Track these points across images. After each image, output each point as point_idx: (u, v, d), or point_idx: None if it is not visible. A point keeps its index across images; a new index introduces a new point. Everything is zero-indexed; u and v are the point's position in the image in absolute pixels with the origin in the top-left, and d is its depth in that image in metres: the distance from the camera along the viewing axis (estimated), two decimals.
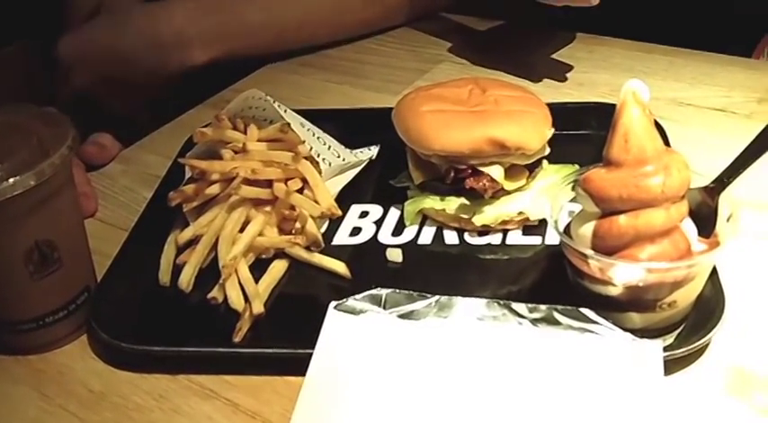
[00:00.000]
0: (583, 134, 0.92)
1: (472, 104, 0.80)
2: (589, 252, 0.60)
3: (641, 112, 0.60)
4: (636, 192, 0.59)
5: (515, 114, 0.78)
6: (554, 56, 1.15)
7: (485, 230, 0.80)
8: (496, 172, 0.77)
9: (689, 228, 0.62)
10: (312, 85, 1.14)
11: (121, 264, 0.79)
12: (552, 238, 0.79)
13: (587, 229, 0.62)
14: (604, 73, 1.10)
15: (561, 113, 0.87)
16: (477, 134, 0.76)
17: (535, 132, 0.78)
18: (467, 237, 0.80)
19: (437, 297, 0.66)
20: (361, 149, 0.92)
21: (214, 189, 0.81)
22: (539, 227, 0.80)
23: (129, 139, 1.05)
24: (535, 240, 0.79)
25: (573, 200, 0.66)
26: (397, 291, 0.67)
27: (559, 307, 0.63)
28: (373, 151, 0.92)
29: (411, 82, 1.11)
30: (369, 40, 1.26)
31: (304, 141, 0.80)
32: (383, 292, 0.67)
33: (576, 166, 0.83)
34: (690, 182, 0.61)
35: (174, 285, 0.76)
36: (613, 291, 0.62)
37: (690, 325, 0.66)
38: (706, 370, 0.65)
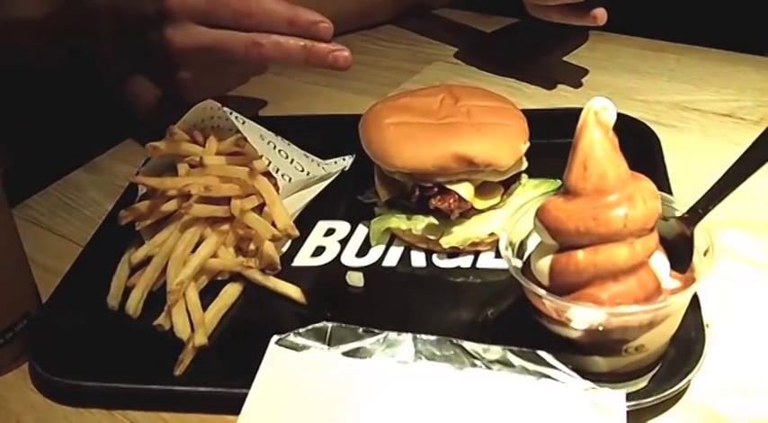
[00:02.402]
0: (570, 143, 0.85)
1: (441, 116, 0.74)
2: (542, 292, 0.54)
3: (603, 134, 0.54)
4: (594, 225, 0.53)
5: (487, 127, 0.72)
6: (555, 56, 1.08)
7: (455, 252, 0.74)
8: (465, 190, 0.71)
9: (659, 263, 0.55)
10: (296, 87, 1.08)
11: (69, 286, 0.75)
12: None
13: (545, 265, 0.56)
14: (607, 74, 1.03)
15: (546, 120, 0.81)
16: (443, 150, 0.70)
17: (507, 147, 0.72)
18: (435, 259, 0.74)
19: (385, 333, 0.61)
20: (334, 160, 0.87)
21: (170, 206, 0.76)
22: None
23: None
24: (505, 263, 0.73)
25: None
26: (344, 325, 0.62)
27: (515, 348, 0.57)
28: (347, 162, 0.87)
29: (399, 84, 1.06)
30: (358, 37, 1.20)
31: (261, 156, 0.75)
32: (329, 325, 0.62)
33: (559, 181, 0.77)
34: (658, 213, 0.54)
35: (122, 310, 0.72)
36: (573, 333, 0.56)
37: (667, 364, 0.60)
38: (680, 418, 0.58)
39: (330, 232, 0.79)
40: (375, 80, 1.08)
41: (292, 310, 0.71)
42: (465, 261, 0.74)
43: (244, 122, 0.78)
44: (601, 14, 0.89)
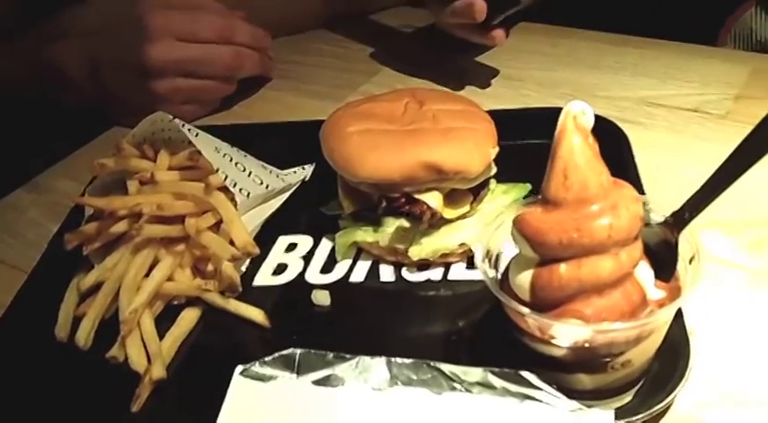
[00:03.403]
0: (538, 144, 0.82)
1: (406, 122, 0.70)
2: (525, 310, 0.51)
3: (583, 140, 0.51)
4: (578, 237, 0.50)
5: (454, 133, 0.69)
6: (514, 51, 1.05)
7: (424, 264, 0.70)
8: (433, 200, 0.68)
9: (644, 274, 0.53)
10: (248, 93, 1.03)
11: (12, 317, 0.70)
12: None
13: (525, 279, 0.52)
14: (568, 70, 1.00)
15: (513, 121, 0.78)
16: (410, 158, 0.66)
17: (477, 153, 0.68)
18: (404, 272, 0.71)
19: (357, 358, 0.57)
20: (293, 169, 0.83)
21: (120, 227, 0.71)
22: None
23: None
24: (478, 274, 0.69)
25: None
26: (312, 351, 0.57)
27: (496, 369, 0.54)
28: (307, 171, 0.83)
29: (358, 86, 1.02)
30: (312, 39, 1.15)
31: (217, 170, 0.70)
32: (297, 352, 0.57)
33: (529, 185, 0.74)
34: (641, 220, 0.51)
35: (71, 342, 0.67)
36: (557, 351, 0.53)
37: (651, 377, 0.57)
38: None
39: (292, 248, 0.75)
40: (332, 83, 1.04)
41: (256, 334, 0.66)
42: (435, 273, 0.70)
43: (197, 134, 0.73)
44: (499, 35, 0.92)
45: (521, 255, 0.54)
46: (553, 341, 0.52)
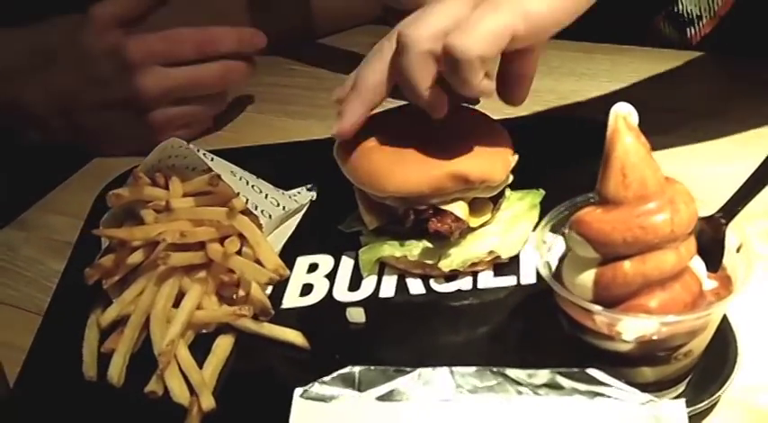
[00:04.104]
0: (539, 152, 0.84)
1: (423, 134, 0.71)
2: (596, 308, 0.52)
3: (635, 139, 0.52)
4: (642, 234, 0.51)
5: (475, 142, 0.69)
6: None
7: (452, 275, 0.71)
8: (459, 210, 0.68)
9: (698, 266, 0.55)
10: (227, 118, 1.02)
11: (36, 361, 0.66)
12: (528, 276, 0.70)
13: (587, 279, 0.54)
14: (546, 78, 1.02)
15: (516, 130, 0.79)
16: (437, 170, 0.67)
17: (500, 161, 0.69)
18: (433, 284, 0.71)
19: (418, 371, 0.57)
20: (297, 190, 0.82)
21: (137, 257, 0.69)
22: (510, 265, 0.71)
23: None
24: (509, 281, 0.70)
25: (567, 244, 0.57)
26: (372, 367, 0.57)
27: (563, 370, 0.54)
28: (312, 192, 0.82)
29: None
30: (284, 60, 1.15)
31: (238, 194, 0.69)
32: (355, 370, 0.57)
33: (542, 191, 0.76)
34: (697, 215, 0.53)
35: (102, 379, 0.64)
36: (623, 347, 0.54)
37: (701, 367, 0.59)
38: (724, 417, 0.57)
39: (313, 268, 0.74)
40: (312, 103, 1.04)
41: (295, 356, 0.65)
42: (464, 283, 0.71)
43: (212, 159, 0.72)
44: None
45: (577, 256, 0.55)
46: (620, 337, 0.53)
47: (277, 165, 0.85)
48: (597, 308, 0.52)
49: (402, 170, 0.67)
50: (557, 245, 0.59)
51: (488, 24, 0.60)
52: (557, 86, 1.01)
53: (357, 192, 0.73)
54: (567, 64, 1.06)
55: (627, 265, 0.52)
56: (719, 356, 0.58)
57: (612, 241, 0.52)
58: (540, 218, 0.71)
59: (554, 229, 0.59)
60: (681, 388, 0.58)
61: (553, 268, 0.58)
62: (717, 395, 0.56)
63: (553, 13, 0.62)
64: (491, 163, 0.69)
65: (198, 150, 0.71)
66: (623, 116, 0.53)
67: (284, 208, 0.74)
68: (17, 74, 0.92)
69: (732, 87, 0.96)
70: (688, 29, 1.09)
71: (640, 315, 0.52)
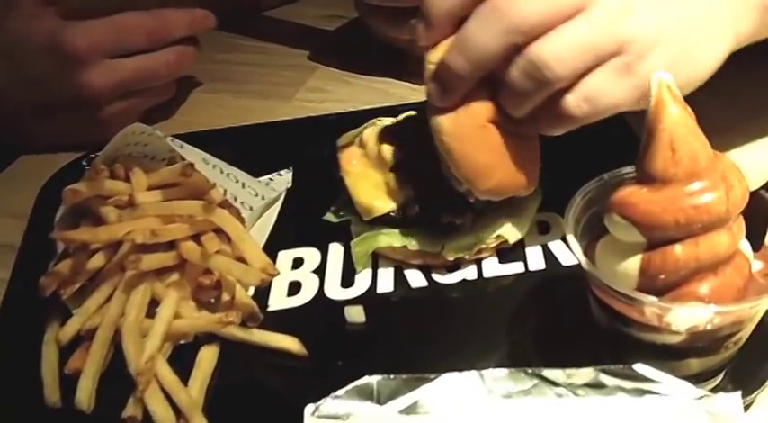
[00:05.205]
0: None
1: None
2: (649, 299, 0.46)
3: (682, 109, 0.47)
4: (696, 214, 0.46)
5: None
6: None
7: (455, 263, 0.65)
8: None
9: (746, 246, 0.50)
10: (182, 99, 0.93)
11: None
12: (536, 261, 0.65)
13: (631, 266, 0.48)
14: None
15: None
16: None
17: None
18: (434, 275, 0.65)
19: (443, 376, 0.50)
20: (270, 176, 0.74)
21: (97, 261, 0.61)
22: (514, 250, 0.66)
23: None
24: (516, 267, 0.65)
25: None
26: (390, 376, 0.50)
27: (607, 367, 0.49)
28: (286, 176, 0.75)
29: (303, 82, 0.94)
30: (225, 36, 1.05)
31: (214, 184, 0.61)
32: (372, 380, 0.50)
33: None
34: (749, 191, 0.48)
35: (69, 405, 0.55)
36: (672, 338, 0.49)
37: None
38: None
39: (299, 263, 0.67)
40: (270, 80, 0.95)
41: (293, 366, 0.58)
42: (469, 272, 0.65)
43: (182, 146, 0.63)
44: None
45: (618, 241, 0.49)
46: (670, 328, 0.48)
47: (244, 149, 0.77)
48: (651, 298, 0.46)
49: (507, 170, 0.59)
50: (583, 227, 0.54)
51: (602, 83, 0.54)
52: None
53: (346, 177, 0.65)
54: None
55: (678, 249, 0.47)
56: (758, 342, 0.54)
57: (663, 224, 0.46)
58: (545, 198, 0.66)
59: (585, 211, 0.53)
60: (719, 378, 0.54)
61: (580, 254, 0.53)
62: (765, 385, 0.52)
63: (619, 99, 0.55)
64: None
65: (165, 136, 0.62)
66: (667, 84, 0.47)
67: (263, 197, 0.66)
68: None
69: None
70: None
71: (695, 304, 0.47)
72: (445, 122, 0.56)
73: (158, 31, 0.82)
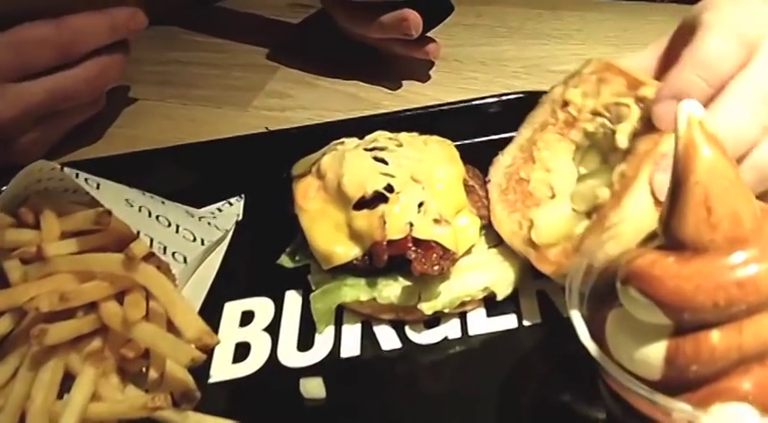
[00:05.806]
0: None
1: None
2: (678, 405, 0.36)
3: (719, 154, 0.36)
4: (740, 293, 0.35)
5: None
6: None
7: (433, 317, 0.54)
8: (447, 238, 0.51)
9: None
10: (122, 108, 0.81)
11: None
12: (531, 314, 0.54)
13: (654, 354, 0.38)
14: (507, 43, 0.86)
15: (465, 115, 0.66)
16: None
17: None
18: (409, 332, 0.54)
19: None
20: (218, 206, 0.63)
21: (2, 327, 0.50)
22: (505, 300, 0.55)
23: None
24: (507, 322, 0.54)
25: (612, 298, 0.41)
26: None
27: None
28: (237, 206, 0.64)
29: (262, 86, 0.82)
30: (171, 31, 0.93)
31: (138, 233, 0.50)
32: None
33: None
34: None
35: None
36: None
37: None
38: None
39: (248, 318, 0.56)
40: (224, 83, 0.84)
41: None
42: (451, 329, 0.54)
43: (98, 186, 0.52)
44: (433, 49, 0.81)
45: (637, 321, 0.39)
46: None
47: (190, 171, 0.66)
48: (681, 406, 0.36)
49: None
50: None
51: None
52: (520, 52, 0.84)
53: (304, 219, 0.54)
54: (529, 24, 0.89)
55: (715, 336, 0.36)
56: None
57: (696, 306, 0.36)
58: None
59: (592, 273, 0.43)
60: None
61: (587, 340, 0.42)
62: None
63: None
64: None
65: (77, 176, 0.51)
66: (699, 121, 0.36)
67: (202, 241, 0.55)
68: None
69: None
70: None
71: (737, 406, 0.36)
72: None
73: (68, 44, 0.68)
